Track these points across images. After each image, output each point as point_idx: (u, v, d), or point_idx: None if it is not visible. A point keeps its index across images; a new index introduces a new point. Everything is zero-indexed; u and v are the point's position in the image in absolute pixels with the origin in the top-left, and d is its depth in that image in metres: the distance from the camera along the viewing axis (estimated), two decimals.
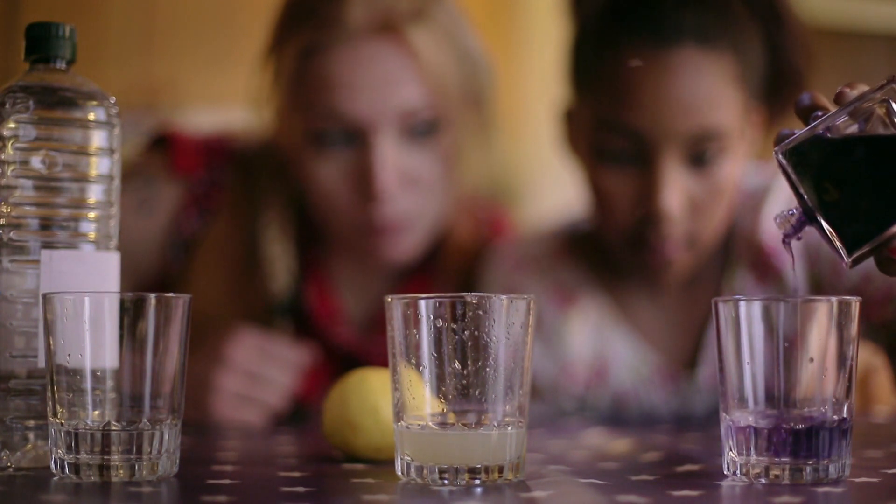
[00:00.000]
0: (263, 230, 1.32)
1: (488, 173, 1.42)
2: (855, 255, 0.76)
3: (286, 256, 1.32)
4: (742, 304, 0.75)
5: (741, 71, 1.17)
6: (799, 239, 0.78)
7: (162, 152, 1.34)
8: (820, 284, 1.21)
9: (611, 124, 1.17)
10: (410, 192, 1.24)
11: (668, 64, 1.14)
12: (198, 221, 1.33)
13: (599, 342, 1.28)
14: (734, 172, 1.19)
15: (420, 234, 1.28)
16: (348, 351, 1.33)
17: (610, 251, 1.26)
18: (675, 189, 1.15)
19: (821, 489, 0.72)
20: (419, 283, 1.36)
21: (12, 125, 0.79)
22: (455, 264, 1.37)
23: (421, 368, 0.74)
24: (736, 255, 1.27)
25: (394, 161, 1.22)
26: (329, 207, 1.26)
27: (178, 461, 0.76)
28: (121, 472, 0.73)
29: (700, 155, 1.16)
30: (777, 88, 1.22)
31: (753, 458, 0.74)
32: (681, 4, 1.16)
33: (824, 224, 0.76)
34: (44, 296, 0.75)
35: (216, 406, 1.17)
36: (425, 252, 1.34)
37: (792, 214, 0.79)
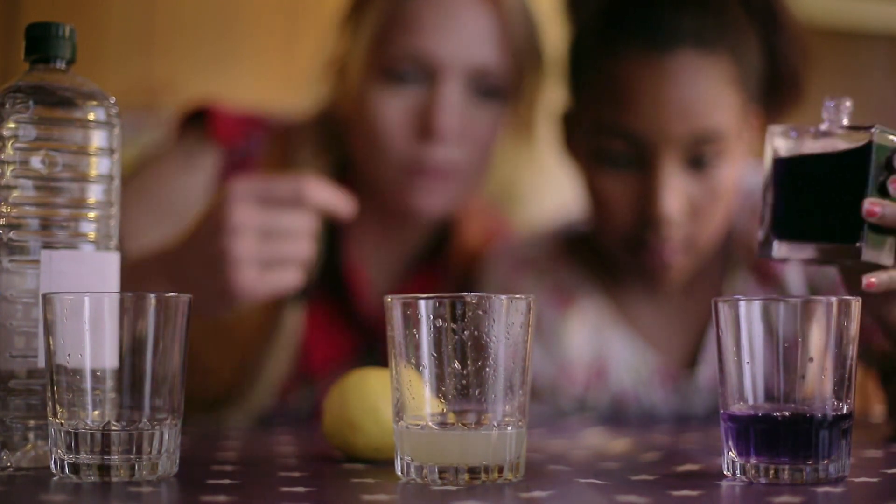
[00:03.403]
0: None
1: (518, 169, 1.44)
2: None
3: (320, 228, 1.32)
4: (742, 304, 0.75)
5: (739, 73, 1.17)
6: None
7: (199, 125, 1.35)
8: None
9: (609, 128, 1.17)
10: (463, 144, 1.26)
11: (667, 68, 1.14)
12: None
13: (598, 343, 1.28)
14: (732, 175, 1.19)
15: (455, 193, 1.29)
16: (369, 323, 1.34)
17: (608, 254, 1.26)
18: (675, 192, 1.15)
19: (821, 489, 0.72)
20: (427, 277, 1.37)
21: (12, 125, 0.79)
22: (461, 265, 1.38)
23: (421, 368, 0.74)
24: (736, 256, 1.27)
25: (457, 106, 1.25)
26: (381, 148, 1.26)
27: (177, 461, 0.76)
28: (121, 472, 0.73)
29: (699, 158, 1.16)
30: (775, 90, 1.22)
31: (753, 457, 0.74)
32: (679, 8, 1.16)
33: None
34: (44, 296, 0.75)
35: (243, 285, 1.03)
36: (434, 243, 1.36)
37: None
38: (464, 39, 1.25)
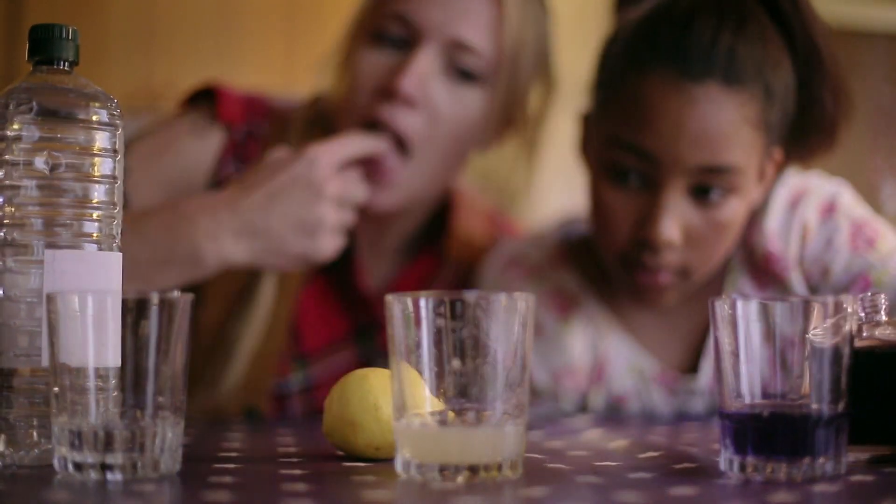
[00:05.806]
0: None
1: (524, 183, 1.44)
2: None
3: None
4: (739, 304, 0.75)
5: (765, 114, 1.15)
6: None
7: (207, 102, 1.36)
8: None
9: (623, 143, 1.16)
10: (421, 114, 1.26)
11: (691, 96, 1.12)
12: (233, 168, 1.33)
13: (598, 348, 1.28)
14: (740, 211, 1.18)
15: (417, 170, 1.28)
16: (365, 306, 1.36)
17: (603, 263, 1.26)
18: (674, 218, 1.15)
19: (817, 486, 0.72)
20: (427, 264, 1.39)
21: (16, 126, 0.80)
22: (463, 257, 1.38)
23: (421, 367, 0.74)
24: (736, 260, 1.26)
25: (425, 72, 1.25)
26: (352, 105, 1.28)
27: (180, 459, 0.77)
28: (123, 469, 0.73)
29: (704, 189, 1.15)
30: (804, 133, 1.20)
31: (750, 455, 0.75)
32: (714, 38, 1.13)
33: None
34: (47, 295, 0.76)
35: (331, 249, 1.18)
36: (431, 229, 1.38)
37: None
38: (451, 11, 1.26)
